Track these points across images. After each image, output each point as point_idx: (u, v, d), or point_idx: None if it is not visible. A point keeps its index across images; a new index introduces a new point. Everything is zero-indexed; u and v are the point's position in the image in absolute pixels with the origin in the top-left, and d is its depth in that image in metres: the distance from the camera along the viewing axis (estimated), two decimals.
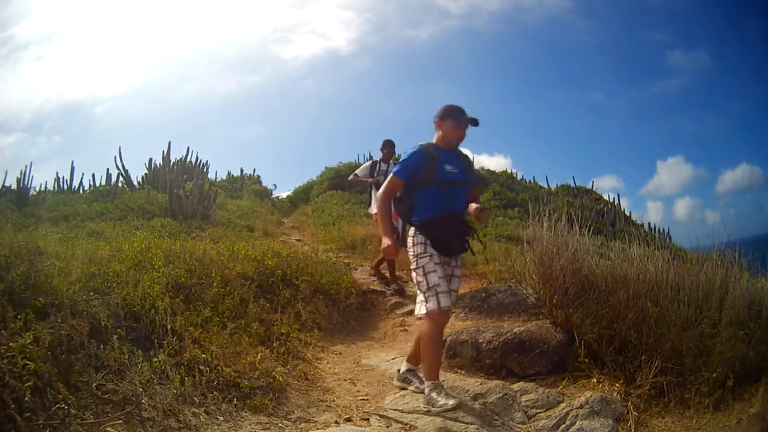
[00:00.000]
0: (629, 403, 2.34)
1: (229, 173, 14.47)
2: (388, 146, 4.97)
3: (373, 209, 4.62)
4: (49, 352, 1.70)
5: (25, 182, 7.54)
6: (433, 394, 2.25)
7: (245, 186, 13.56)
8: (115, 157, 8.63)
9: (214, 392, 2.12)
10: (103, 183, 8.65)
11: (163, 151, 9.40)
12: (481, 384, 2.53)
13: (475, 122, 2.43)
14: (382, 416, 2.28)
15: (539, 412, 2.35)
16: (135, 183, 8.72)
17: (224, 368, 2.26)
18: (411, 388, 2.51)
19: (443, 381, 2.40)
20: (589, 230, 3.21)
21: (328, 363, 3.03)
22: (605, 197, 13.38)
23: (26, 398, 1.50)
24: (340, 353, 3.25)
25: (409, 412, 2.31)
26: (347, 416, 2.26)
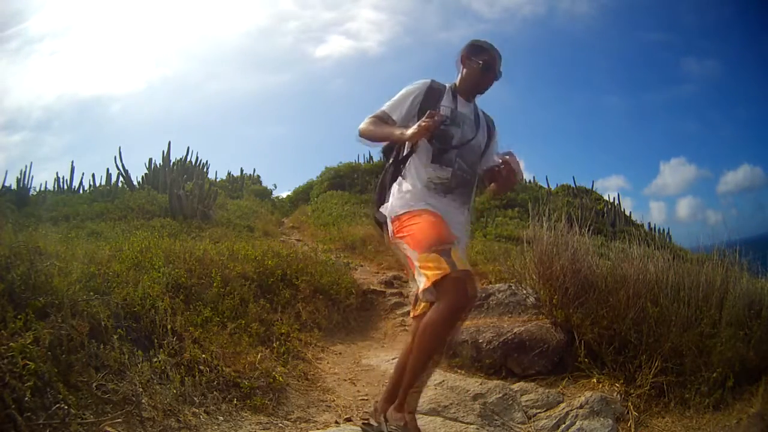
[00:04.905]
0: (629, 403, 2.34)
1: (229, 173, 14.48)
2: None
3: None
4: (49, 352, 1.70)
5: (25, 182, 7.55)
6: None
7: (245, 186, 13.56)
8: (115, 157, 8.66)
9: (214, 392, 2.11)
10: (103, 183, 8.67)
11: (163, 151, 9.41)
12: (481, 384, 2.53)
13: None
14: None
15: (539, 412, 2.35)
16: (135, 183, 8.72)
17: (224, 368, 2.26)
18: None
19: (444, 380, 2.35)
20: (589, 230, 3.21)
21: (328, 363, 3.03)
22: (605, 197, 13.41)
23: (26, 398, 1.50)
24: (340, 353, 3.25)
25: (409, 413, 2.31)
26: (347, 416, 2.26)
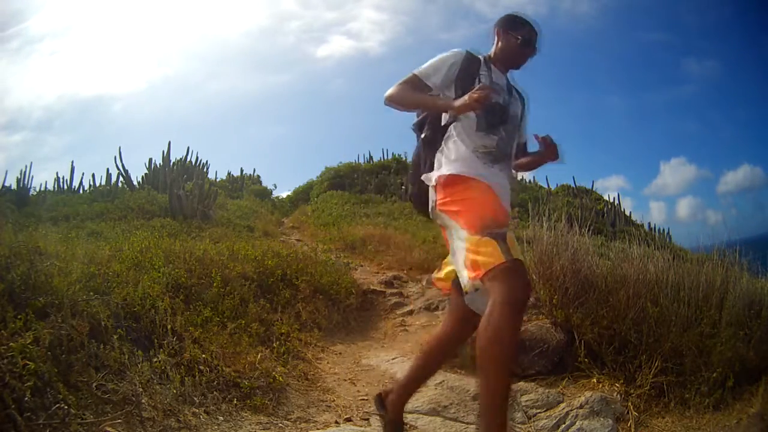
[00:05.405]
0: (629, 403, 2.33)
1: (229, 173, 14.49)
2: None
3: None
4: (49, 352, 1.70)
5: (25, 182, 7.56)
6: None
7: (245, 186, 13.57)
8: (115, 157, 8.65)
9: (214, 392, 2.11)
10: (103, 183, 8.67)
11: (163, 151, 9.41)
12: None
13: None
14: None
15: (539, 412, 2.35)
16: (135, 183, 8.72)
17: (224, 368, 2.26)
18: None
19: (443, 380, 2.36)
20: (589, 230, 3.21)
21: (328, 363, 3.03)
22: (605, 197, 13.40)
23: (26, 398, 1.50)
24: (340, 353, 3.25)
25: (410, 412, 2.31)
26: (347, 416, 2.27)
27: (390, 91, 1.64)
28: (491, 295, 1.37)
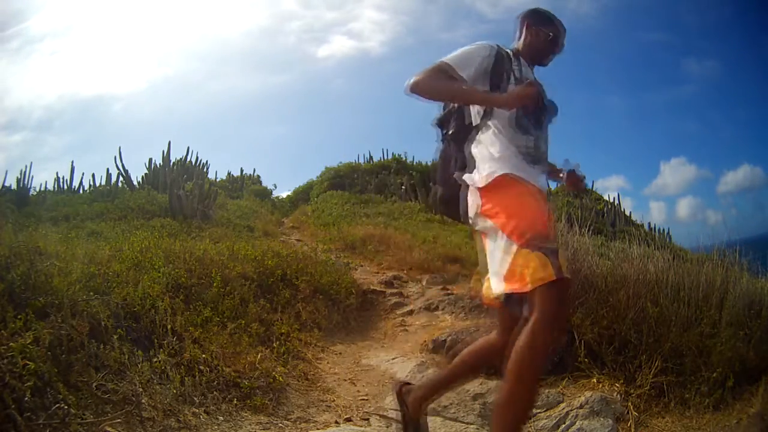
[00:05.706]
0: (629, 403, 2.34)
1: (229, 173, 14.47)
2: None
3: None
4: (49, 352, 1.70)
5: (25, 182, 7.55)
6: None
7: (245, 186, 13.56)
8: (115, 157, 8.65)
9: (214, 392, 2.12)
10: (103, 183, 8.66)
11: (163, 151, 9.41)
12: (480, 384, 2.53)
13: None
14: (382, 416, 2.28)
15: (539, 412, 2.35)
16: (135, 183, 8.72)
17: (224, 368, 2.26)
18: None
19: None
20: (589, 230, 3.21)
21: (328, 363, 3.03)
22: (605, 197, 13.40)
23: (26, 398, 1.50)
24: (340, 353, 3.25)
25: None
26: (347, 416, 2.27)
27: (416, 78, 1.46)
28: (534, 307, 1.32)
